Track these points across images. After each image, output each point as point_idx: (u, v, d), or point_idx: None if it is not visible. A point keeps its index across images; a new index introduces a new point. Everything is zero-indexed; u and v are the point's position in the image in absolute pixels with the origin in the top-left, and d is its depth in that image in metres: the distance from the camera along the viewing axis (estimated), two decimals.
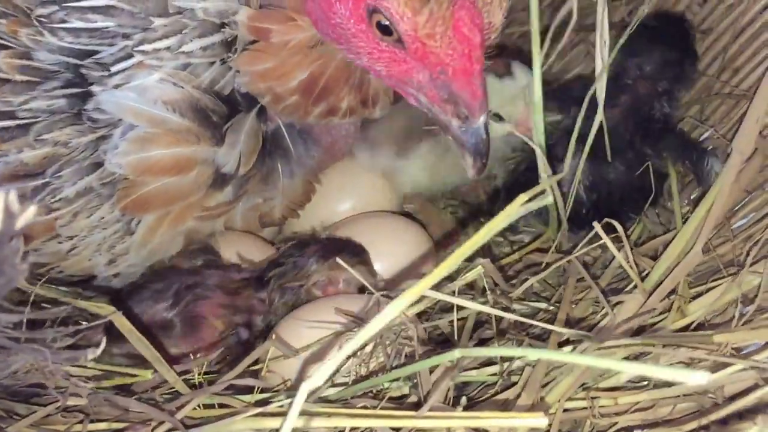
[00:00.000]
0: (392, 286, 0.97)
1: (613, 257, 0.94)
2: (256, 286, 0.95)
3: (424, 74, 0.76)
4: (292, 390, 0.78)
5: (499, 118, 1.05)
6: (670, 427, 0.70)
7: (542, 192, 0.63)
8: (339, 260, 0.86)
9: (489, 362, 0.84)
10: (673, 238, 0.87)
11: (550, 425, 0.73)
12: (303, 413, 0.64)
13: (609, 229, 0.83)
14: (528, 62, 0.97)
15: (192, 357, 0.84)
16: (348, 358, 0.72)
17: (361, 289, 0.92)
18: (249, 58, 0.87)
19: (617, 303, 0.84)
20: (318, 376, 0.52)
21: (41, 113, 0.83)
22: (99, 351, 0.62)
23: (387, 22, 0.74)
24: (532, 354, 0.59)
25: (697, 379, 0.41)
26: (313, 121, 0.94)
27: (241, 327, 0.92)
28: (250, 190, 0.96)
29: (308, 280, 0.94)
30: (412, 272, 0.99)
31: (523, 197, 0.60)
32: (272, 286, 0.94)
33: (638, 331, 0.82)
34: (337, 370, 0.76)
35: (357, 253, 0.95)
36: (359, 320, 0.81)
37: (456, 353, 0.62)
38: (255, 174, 0.95)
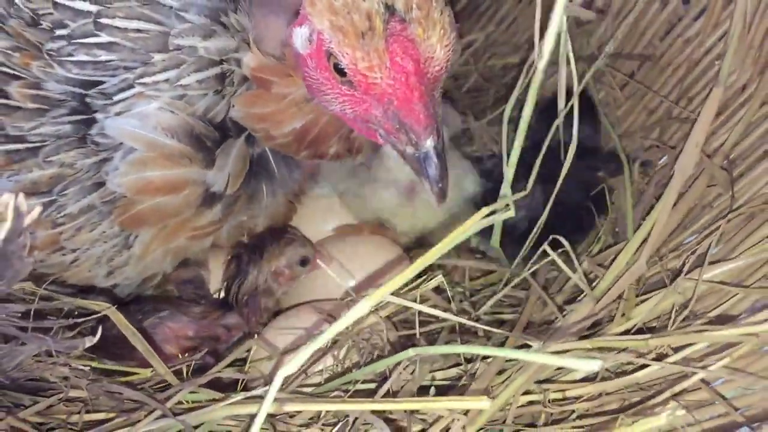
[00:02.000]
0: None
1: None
2: (223, 311, 1.03)
3: (379, 109, 0.83)
4: (269, 381, 0.86)
5: None
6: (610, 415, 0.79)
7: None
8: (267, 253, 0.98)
9: (456, 364, 0.93)
10: (621, 250, 0.95)
11: (504, 414, 0.82)
12: (277, 399, 0.72)
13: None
14: None
15: (180, 356, 0.92)
16: (322, 351, 0.80)
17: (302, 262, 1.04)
18: (249, 101, 0.95)
19: (571, 310, 0.93)
20: (292, 365, 0.60)
21: (49, 137, 0.90)
22: (96, 339, 0.70)
23: (339, 63, 0.81)
24: (474, 350, 0.67)
25: (589, 366, 0.49)
26: (301, 159, 1.02)
27: (207, 355, 0.98)
28: (237, 210, 1.03)
29: (259, 283, 1.03)
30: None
31: (483, 211, 0.68)
32: (238, 305, 1.03)
33: (592, 335, 0.91)
34: (311, 359, 0.84)
35: (279, 238, 1.04)
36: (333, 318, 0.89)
37: (411, 351, 0.70)
38: (241, 194, 1.02)
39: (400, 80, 0.79)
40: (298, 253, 1.05)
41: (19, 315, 0.69)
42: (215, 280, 1.12)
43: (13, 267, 0.61)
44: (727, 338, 0.75)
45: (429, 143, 0.82)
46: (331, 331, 0.62)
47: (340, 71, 0.82)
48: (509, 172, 0.92)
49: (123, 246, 0.98)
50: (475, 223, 0.67)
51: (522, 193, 0.88)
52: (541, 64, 0.82)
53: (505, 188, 0.94)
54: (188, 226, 0.99)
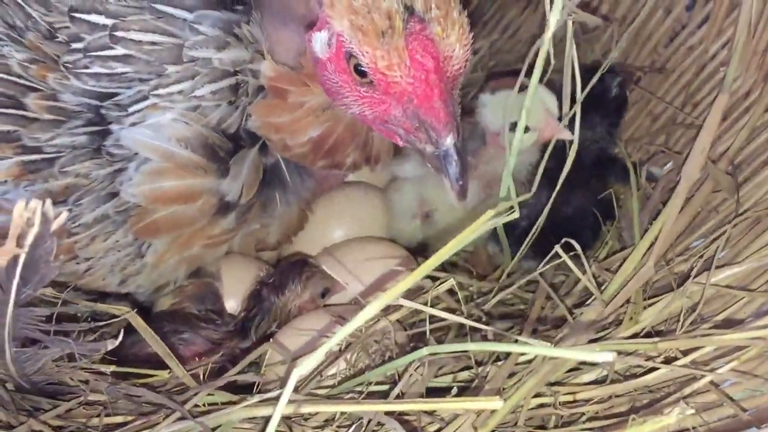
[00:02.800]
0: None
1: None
2: (240, 336, 1.05)
3: (398, 108, 0.84)
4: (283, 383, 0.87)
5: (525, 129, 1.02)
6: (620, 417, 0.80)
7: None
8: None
9: (466, 367, 0.94)
10: (629, 255, 0.96)
11: (515, 417, 0.84)
12: (292, 401, 0.74)
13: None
14: None
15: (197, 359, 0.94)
16: (336, 353, 0.82)
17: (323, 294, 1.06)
18: (265, 110, 0.97)
19: (580, 314, 0.94)
20: (307, 365, 0.62)
21: (65, 148, 0.92)
22: (117, 342, 0.72)
23: (359, 64, 0.83)
24: (486, 347, 0.68)
25: (602, 358, 0.51)
26: (318, 169, 1.04)
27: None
28: (250, 219, 1.05)
29: (281, 319, 1.06)
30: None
31: (489, 213, 0.70)
32: (255, 335, 1.05)
33: (601, 338, 0.92)
34: (325, 362, 0.85)
35: (300, 273, 1.06)
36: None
37: (424, 351, 0.72)
38: (255, 203, 1.03)
39: (420, 78, 0.80)
40: (320, 286, 1.08)
41: (43, 319, 0.71)
42: (227, 291, 1.14)
43: (39, 272, 0.63)
44: (734, 342, 0.76)
45: (449, 141, 0.83)
46: (343, 332, 0.64)
47: (360, 72, 0.84)
48: (507, 179, 0.93)
49: (136, 255, 0.99)
50: (480, 225, 0.68)
51: (526, 195, 0.88)
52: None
53: (504, 191, 0.94)
54: (203, 234, 1.01)
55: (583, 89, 0.91)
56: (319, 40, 0.87)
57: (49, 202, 0.61)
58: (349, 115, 0.95)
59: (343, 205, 1.23)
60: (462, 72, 0.84)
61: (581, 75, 0.92)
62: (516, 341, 0.92)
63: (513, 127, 0.96)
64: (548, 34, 0.89)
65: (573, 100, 0.95)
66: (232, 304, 1.14)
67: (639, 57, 1.34)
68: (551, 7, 0.88)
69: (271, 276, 1.11)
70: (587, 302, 0.98)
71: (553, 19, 0.88)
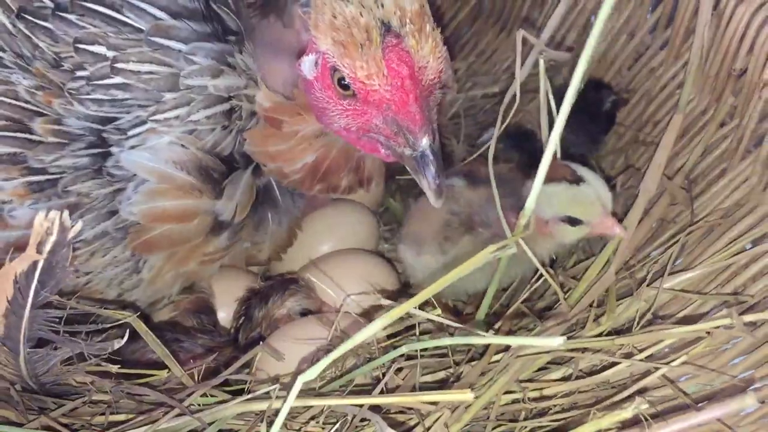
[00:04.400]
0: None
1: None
2: (235, 344, 1.13)
3: (378, 117, 0.92)
4: (275, 381, 0.94)
5: (577, 221, 1.06)
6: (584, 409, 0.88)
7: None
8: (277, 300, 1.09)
9: (445, 367, 1.02)
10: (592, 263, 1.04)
11: (488, 412, 0.91)
12: (280, 397, 0.81)
13: None
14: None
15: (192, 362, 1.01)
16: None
17: (303, 313, 1.12)
18: (261, 140, 1.04)
19: (548, 317, 1.02)
20: (312, 371, 0.69)
21: (68, 169, 0.97)
22: (123, 341, 0.79)
23: (342, 77, 0.90)
24: (459, 341, 0.75)
25: (553, 342, 0.58)
26: (315, 194, 1.11)
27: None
28: (243, 237, 1.12)
29: (261, 327, 1.13)
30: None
31: (491, 248, 0.77)
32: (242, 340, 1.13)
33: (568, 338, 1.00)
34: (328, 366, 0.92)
35: (285, 288, 1.13)
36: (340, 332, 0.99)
37: (403, 348, 0.79)
38: (248, 222, 1.10)
39: (396, 85, 0.87)
40: (301, 305, 1.14)
41: (56, 320, 0.78)
42: (219, 302, 1.21)
43: (56, 276, 0.70)
44: (682, 335, 0.84)
45: (425, 142, 0.90)
46: (350, 343, 0.71)
47: (343, 86, 0.91)
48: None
49: (133, 270, 1.05)
50: (480, 258, 0.75)
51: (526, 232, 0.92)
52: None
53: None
54: (198, 252, 1.07)
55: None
56: (307, 62, 0.95)
57: (66, 213, 0.68)
58: (341, 141, 1.03)
59: (330, 221, 1.30)
60: (437, 81, 0.91)
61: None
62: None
63: (569, 220, 1.05)
64: (517, 84, 0.99)
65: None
66: (224, 316, 1.21)
67: (604, 79, 1.43)
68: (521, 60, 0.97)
69: (260, 288, 1.18)
70: (555, 306, 1.06)
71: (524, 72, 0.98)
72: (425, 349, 1.04)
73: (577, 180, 1.05)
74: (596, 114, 1.33)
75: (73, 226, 0.69)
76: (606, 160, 1.36)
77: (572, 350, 0.93)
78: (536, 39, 1.07)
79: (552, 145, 0.78)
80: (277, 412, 0.80)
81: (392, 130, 0.92)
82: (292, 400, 0.69)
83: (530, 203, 0.77)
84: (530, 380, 0.95)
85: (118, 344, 0.79)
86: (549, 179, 1.11)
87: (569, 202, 1.05)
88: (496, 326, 1.02)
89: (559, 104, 1.03)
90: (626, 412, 0.70)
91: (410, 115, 0.89)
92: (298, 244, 1.24)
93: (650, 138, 1.28)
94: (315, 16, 0.89)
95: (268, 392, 0.83)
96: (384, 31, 0.86)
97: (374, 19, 0.86)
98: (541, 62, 0.98)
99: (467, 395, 0.73)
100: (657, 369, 0.85)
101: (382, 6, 0.86)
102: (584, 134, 1.31)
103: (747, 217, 1.03)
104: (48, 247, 0.70)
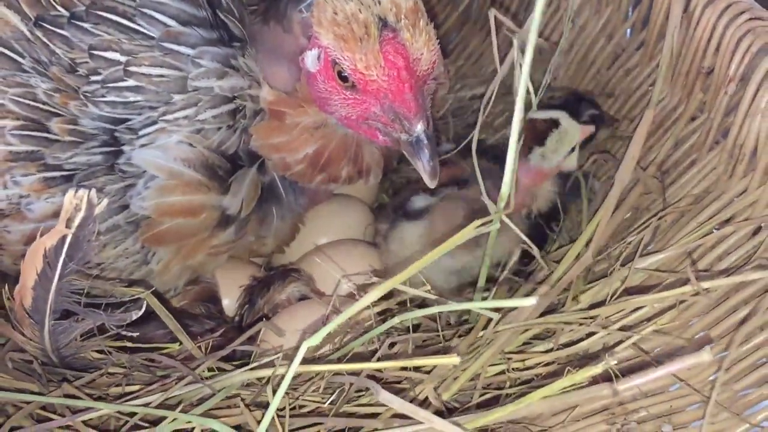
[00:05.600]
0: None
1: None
2: (239, 330, 1.18)
3: (376, 105, 0.99)
4: (280, 350, 1.02)
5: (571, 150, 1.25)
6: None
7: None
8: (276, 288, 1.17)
9: (436, 343, 1.10)
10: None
11: (474, 383, 0.98)
12: (283, 365, 0.88)
13: None
14: None
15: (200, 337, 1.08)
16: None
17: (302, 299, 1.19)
18: (265, 133, 1.11)
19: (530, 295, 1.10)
20: (316, 336, 0.75)
21: (82, 166, 1.04)
22: (141, 312, 0.86)
23: (343, 69, 0.98)
24: (447, 308, 0.82)
25: (528, 302, 0.66)
26: (315, 185, 1.18)
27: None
28: (249, 231, 1.19)
29: (264, 312, 1.20)
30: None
31: (476, 223, 0.83)
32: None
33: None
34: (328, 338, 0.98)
35: (286, 276, 1.21)
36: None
37: (396, 320, 0.87)
38: (253, 217, 1.17)
39: (393, 75, 0.95)
40: (300, 291, 1.21)
41: (81, 291, 0.85)
42: (223, 291, 1.29)
43: (83, 249, 0.78)
44: (646, 303, 0.92)
45: (420, 128, 0.97)
46: (351, 311, 0.77)
47: (344, 78, 1.00)
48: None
49: (142, 261, 1.12)
50: (465, 234, 0.82)
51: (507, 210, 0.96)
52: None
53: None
54: (205, 245, 1.14)
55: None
56: (310, 57, 1.03)
57: (93, 191, 0.75)
58: (339, 133, 1.11)
59: (328, 215, 1.37)
60: (430, 73, 0.99)
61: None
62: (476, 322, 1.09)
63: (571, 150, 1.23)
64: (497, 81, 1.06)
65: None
66: (227, 303, 1.28)
67: (584, 80, 1.52)
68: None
69: (263, 277, 1.26)
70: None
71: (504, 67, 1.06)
72: (417, 327, 1.12)
73: (556, 123, 1.23)
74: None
75: (99, 203, 0.76)
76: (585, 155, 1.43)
77: (553, 324, 1.01)
78: (509, 21, 1.15)
79: (518, 121, 0.85)
80: (280, 380, 0.88)
81: (389, 118, 0.99)
82: (297, 363, 0.76)
83: (507, 182, 0.84)
84: (515, 352, 1.03)
85: (136, 315, 0.87)
86: (542, 138, 1.23)
87: (566, 141, 1.22)
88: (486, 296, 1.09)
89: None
90: (597, 368, 0.77)
91: (406, 103, 0.96)
92: (298, 237, 1.31)
93: (627, 133, 1.36)
94: (317, 13, 0.98)
95: (272, 361, 0.90)
96: (381, 26, 0.94)
97: (372, 15, 0.94)
98: (515, 42, 1.05)
99: (454, 359, 0.81)
100: (628, 338, 0.92)
101: (379, 3, 0.94)
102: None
103: (714, 202, 1.10)
104: (77, 222, 0.77)
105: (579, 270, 1.07)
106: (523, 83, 0.93)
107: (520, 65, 1.07)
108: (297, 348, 0.75)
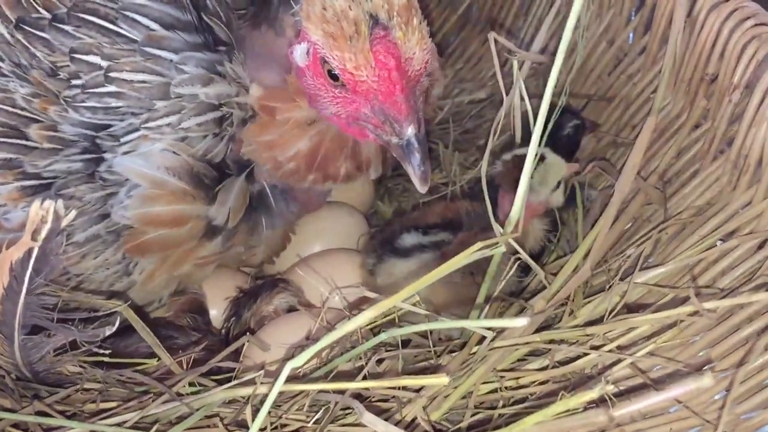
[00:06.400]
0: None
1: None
2: (227, 343, 1.14)
3: (366, 106, 0.95)
4: (262, 367, 0.98)
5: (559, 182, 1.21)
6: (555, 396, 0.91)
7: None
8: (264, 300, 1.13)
9: (426, 359, 1.06)
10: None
11: (466, 402, 0.94)
12: (265, 383, 0.85)
13: None
14: None
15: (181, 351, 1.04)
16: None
17: (290, 311, 1.15)
18: (256, 131, 1.07)
19: (524, 309, 1.06)
20: (300, 357, 0.72)
21: (61, 173, 1.00)
22: (114, 328, 0.82)
23: (332, 68, 0.94)
24: (436, 326, 0.78)
25: (519, 323, 0.62)
26: (309, 185, 1.13)
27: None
28: (237, 241, 1.15)
29: (250, 324, 1.16)
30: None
31: (478, 245, 0.80)
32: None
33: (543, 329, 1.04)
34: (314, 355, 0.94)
35: (274, 286, 1.17)
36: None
37: (383, 336, 0.82)
38: (242, 227, 1.13)
39: (383, 76, 0.91)
40: (288, 302, 1.18)
41: (50, 307, 0.81)
42: (211, 301, 1.25)
43: (50, 263, 0.74)
44: (646, 322, 0.88)
45: (410, 131, 0.93)
46: (336, 334, 0.73)
47: (333, 76, 0.95)
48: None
49: (123, 272, 1.08)
50: (465, 257, 0.78)
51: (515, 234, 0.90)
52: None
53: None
54: (192, 256, 1.10)
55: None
56: (299, 50, 0.99)
57: (60, 202, 0.72)
58: (334, 129, 1.06)
59: (320, 223, 1.33)
60: (423, 73, 0.95)
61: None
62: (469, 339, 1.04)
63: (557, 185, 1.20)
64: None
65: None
66: (215, 313, 1.24)
67: (585, 85, 1.48)
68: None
69: (250, 288, 1.22)
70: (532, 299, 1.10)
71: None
72: (407, 343, 1.08)
73: (542, 157, 1.19)
74: (555, 139, 1.27)
75: (67, 215, 0.73)
76: (583, 163, 1.39)
77: (547, 342, 0.97)
78: (510, 42, 1.11)
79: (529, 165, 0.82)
80: (262, 398, 0.84)
81: (380, 119, 0.95)
82: (280, 385, 0.72)
83: (518, 205, 0.81)
84: (508, 370, 0.99)
85: (109, 330, 0.83)
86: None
87: (551, 175, 1.19)
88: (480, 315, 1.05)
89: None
90: (593, 393, 0.73)
91: (396, 105, 0.92)
92: (290, 247, 1.28)
93: (627, 141, 1.32)
94: (306, 7, 0.93)
95: (253, 378, 0.86)
96: (372, 23, 0.90)
97: (363, 12, 0.89)
98: (515, 63, 1.02)
99: (443, 379, 0.77)
100: (625, 358, 0.88)
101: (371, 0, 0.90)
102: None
103: (718, 214, 1.06)
104: (43, 234, 0.74)
105: (576, 284, 1.03)
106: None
107: (519, 89, 1.06)
108: (282, 363, 0.71)
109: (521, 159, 1.13)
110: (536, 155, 0.83)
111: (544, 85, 1.42)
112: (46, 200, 0.75)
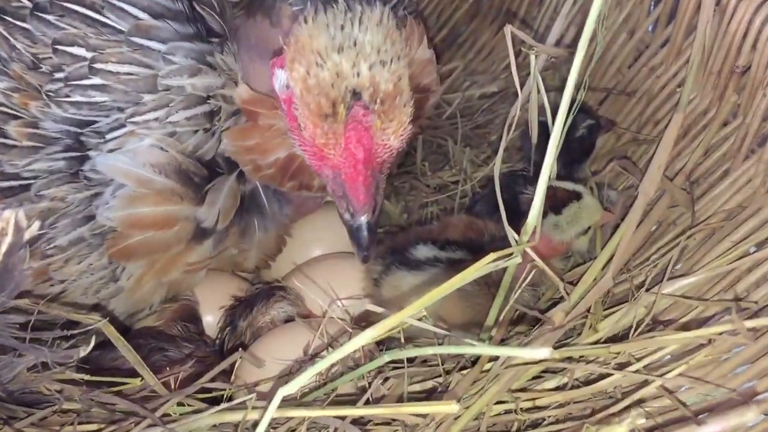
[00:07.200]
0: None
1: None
2: (221, 354, 1.08)
3: (329, 172, 0.89)
4: (253, 390, 0.90)
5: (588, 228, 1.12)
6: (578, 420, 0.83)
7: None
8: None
9: (435, 376, 0.97)
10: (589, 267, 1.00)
11: (478, 423, 0.86)
12: (257, 408, 0.77)
13: None
14: None
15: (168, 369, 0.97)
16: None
17: (288, 321, 1.08)
18: (239, 134, 1.00)
19: (541, 323, 0.98)
20: (293, 384, 0.65)
21: (42, 173, 0.95)
22: (89, 348, 0.75)
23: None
24: (443, 350, 0.71)
25: (539, 354, 0.54)
26: (288, 190, 1.07)
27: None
28: (228, 245, 1.08)
29: (246, 335, 1.09)
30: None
31: (491, 257, 0.73)
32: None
33: (561, 346, 0.96)
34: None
35: (271, 295, 1.10)
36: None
37: (386, 357, 0.75)
38: (234, 229, 1.06)
39: (350, 164, 0.85)
40: (286, 312, 1.10)
41: (17, 326, 0.74)
42: (205, 307, 1.16)
43: (14, 279, 0.66)
44: (680, 342, 0.80)
45: (363, 219, 0.90)
46: (334, 356, 0.66)
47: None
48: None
49: (110, 278, 1.02)
50: (482, 266, 0.71)
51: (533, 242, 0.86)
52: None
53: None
54: (181, 261, 1.04)
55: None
56: (279, 78, 0.91)
57: (21, 211, 0.64)
58: None
59: (319, 226, 1.24)
60: (394, 156, 0.89)
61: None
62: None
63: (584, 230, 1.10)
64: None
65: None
66: (210, 320, 1.16)
67: (604, 78, 1.39)
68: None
69: (246, 296, 1.14)
70: (550, 312, 1.02)
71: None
72: (413, 358, 1.00)
73: (578, 195, 1.10)
74: (568, 140, 1.16)
75: (29, 227, 0.65)
76: (603, 161, 1.31)
77: (566, 359, 0.89)
78: (527, 35, 1.03)
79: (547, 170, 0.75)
80: (254, 424, 0.77)
81: (338, 192, 0.91)
82: (271, 413, 0.65)
83: (535, 213, 0.73)
84: (523, 390, 0.91)
85: (84, 352, 0.76)
86: (559, 207, 1.10)
87: (583, 217, 1.09)
88: (491, 333, 0.97)
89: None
90: (621, 427, 0.65)
91: (356, 193, 0.88)
92: (287, 251, 1.20)
93: (649, 137, 1.24)
94: (292, 55, 0.86)
95: (243, 402, 0.79)
96: (352, 98, 0.83)
97: (346, 89, 0.82)
98: (533, 58, 0.94)
99: (452, 407, 0.69)
100: (654, 380, 0.80)
101: (358, 75, 0.82)
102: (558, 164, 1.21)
103: (750, 219, 0.99)
104: (4, 249, 0.66)
105: (598, 295, 0.95)
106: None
107: (538, 86, 0.98)
108: (276, 382, 0.64)
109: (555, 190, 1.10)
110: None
111: (560, 79, 1.37)
112: (6, 211, 0.67)
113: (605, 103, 1.38)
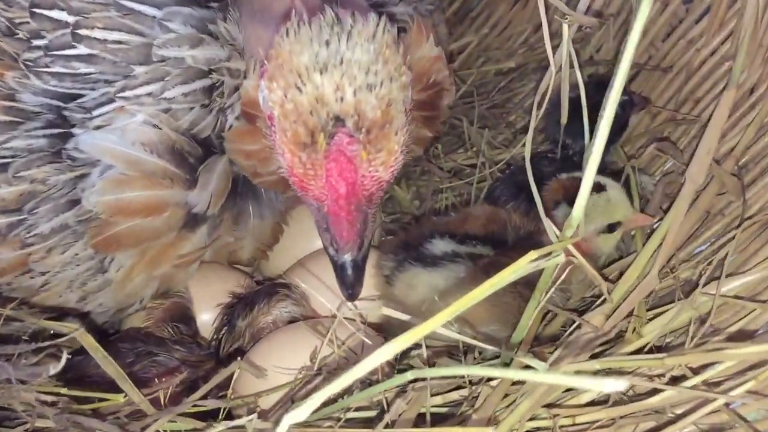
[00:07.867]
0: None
1: None
2: (217, 357, 0.99)
3: (313, 203, 0.80)
4: (254, 410, 0.80)
5: (615, 226, 1.01)
6: None
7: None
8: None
9: (458, 387, 0.87)
10: (630, 263, 0.89)
11: None
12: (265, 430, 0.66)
13: None
14: None
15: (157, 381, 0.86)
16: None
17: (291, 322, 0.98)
18: (238, 137, 0.92)
19: (578, 326, 0.87)
20: (302, 410, 0.54)
21: (20, 152, 0.86)
22: (60, 366, 0.64)
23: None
24: (477, 372, 0.61)
25: (612, 387, 0.43)
26: (290, 196, 0.99)
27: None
28: (222, 233, 1.00)
29: (245, 336, 0.99)
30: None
31: (532, 254, 0.62)
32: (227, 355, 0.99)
33: (601, 353, 0.85)
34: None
35: (273, 293, 1.00)
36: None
37: (408, 375, 0.64)
38: (227, 215, 0.98)
39: (332, 197, 0.76)
40: (289, 312, 1.01)
41: None
42: (200, 304, 1.06)
43: None
44: (752, 356, 0.69)
45: (347, 257, 0.81)
46: (346, 378, 0.56)
47: None
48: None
49: (97, 270, 0.93)
50: (520, 267, 0.61)
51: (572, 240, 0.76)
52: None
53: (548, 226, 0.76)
54: (173, 253, 0.95)
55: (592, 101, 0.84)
56: (263, 90, 0.80)
57: None
58: None
59: None
60: (383, 187, 0.79)
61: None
62: (510, 362, 0.85)
63: (609, 228, 1.00)
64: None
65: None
66: (205, 319, 1.06)
67: (635, 52, 1.27)
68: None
69: (246, 294, 1.04)
70: (587, 314, 0.91)
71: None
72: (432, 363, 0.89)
73: (600, 187, 0.99)
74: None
75: None
76: (637, 143, 1.20)
77: (609, 370, 0.78)
78: (561, 3, 0.91)
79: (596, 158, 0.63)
80: None
81: (321, 224, 0.82)
82: None
83: (580, 205, 0.63)
84: (558, 405, 0.80)
85: (54, 370, 0.65)
86: (574, 198, 0.97)
87: (605, 211, 0.99)
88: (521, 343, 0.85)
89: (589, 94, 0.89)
90: None
91: (339, 229, 0.79)
92: (286, 243, 1.10)
93: (691, 117, 1.12)
94: (271, 72, 0.75)
95: (243, 426, 0.68)
96: (335, 126, 0.72)
97: (327, 116, 0.72)
98: (566, 28, 0.83)
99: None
100: (715, 399, 0.69)
101: (341, 100, 0.72)
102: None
103: None
104: None
105: (642, 295, 0.85)
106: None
107: (571, 59, 0.88)
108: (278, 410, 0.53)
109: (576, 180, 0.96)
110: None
111: (594, 50, 1.25)
112: None
113: (637, 79, 1.27)
